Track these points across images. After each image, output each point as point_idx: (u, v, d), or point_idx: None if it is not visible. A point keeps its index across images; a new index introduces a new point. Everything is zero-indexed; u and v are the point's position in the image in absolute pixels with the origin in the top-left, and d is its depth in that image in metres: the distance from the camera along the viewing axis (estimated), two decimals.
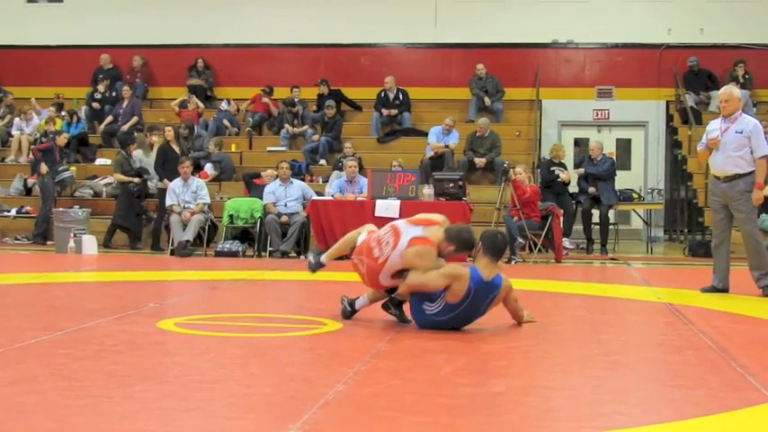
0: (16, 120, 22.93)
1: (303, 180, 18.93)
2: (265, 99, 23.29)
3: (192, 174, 17.71)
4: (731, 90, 11.33)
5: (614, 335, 8.50)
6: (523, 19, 23.94)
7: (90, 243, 17.05)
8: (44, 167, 18.78)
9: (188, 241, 16.65)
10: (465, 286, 7.82)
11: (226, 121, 22.59)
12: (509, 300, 8.26)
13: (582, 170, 18.96)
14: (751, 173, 10.92)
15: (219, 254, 16.75)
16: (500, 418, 5.18)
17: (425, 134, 21.16)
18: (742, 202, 10.99)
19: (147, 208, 18.74)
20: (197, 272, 13.90)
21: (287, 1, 24.67)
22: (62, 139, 19.59)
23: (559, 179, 18.68)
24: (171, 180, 17.41)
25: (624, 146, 24.15)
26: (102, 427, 4.85)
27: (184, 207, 17.04)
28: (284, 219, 16.97)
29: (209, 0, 24.96)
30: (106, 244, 18.09)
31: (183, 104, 23.16)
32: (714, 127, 11.25)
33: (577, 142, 24.16)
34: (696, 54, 23.02)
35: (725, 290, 11.28)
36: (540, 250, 16.59)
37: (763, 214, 15.78)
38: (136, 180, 18.55)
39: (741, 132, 10.89)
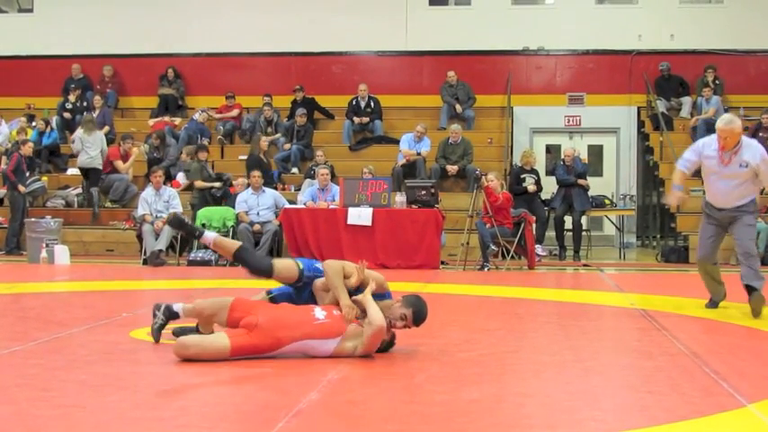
0: None
1: (275, 189, 18.90)
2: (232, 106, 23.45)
3: (164, 183, 17.67)
4: (732, 127, 9.69)
5: (587, 341, 8.51)
6: (494, 26, 23.99)
7: (62, 253, 16.96)
8: (22, 188, 18.62)
9: (161, 250, 16.61)
10: None
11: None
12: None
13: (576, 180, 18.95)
14: (753, 199, 10.12)
15: (192, 263, 16.74)
16: (474, 425, 5.18)
17: (397, 142, 21.17)
18: (748, 217, 10.09)
19: None
20: (170, 281, 13.86)
21: (258, 9, 24.61)
22: (27, 149, 19.28)
23: (527, 190, 18.67)
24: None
25: (596, 152, 24.24)
26: None
27: (157, 216, 16.99)
28: (257, 227, 16.97)
29: (179, 9, 24.90)
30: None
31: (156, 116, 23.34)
32: (709, 152, 9.95)
33: (549, 149, 24.22)
34: (667, 60, 23.12)
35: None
36: (512, 257, 16.60)
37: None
38: (217, 185, 18.64)
39: (746, 166, 9.78)
